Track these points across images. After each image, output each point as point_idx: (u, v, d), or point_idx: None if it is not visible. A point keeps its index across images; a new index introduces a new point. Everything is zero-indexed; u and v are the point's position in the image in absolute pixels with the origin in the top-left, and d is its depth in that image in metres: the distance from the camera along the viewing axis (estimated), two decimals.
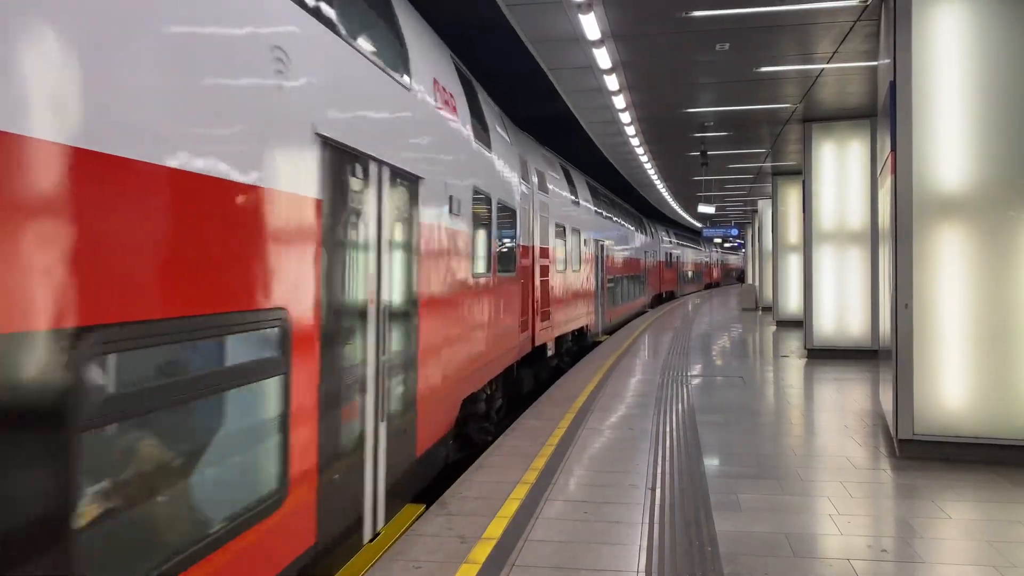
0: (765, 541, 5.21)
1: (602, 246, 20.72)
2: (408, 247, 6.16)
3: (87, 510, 2.66)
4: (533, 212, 12.52)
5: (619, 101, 13.43)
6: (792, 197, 21.90)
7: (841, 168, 15.20)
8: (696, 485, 6.50)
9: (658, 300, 37.72)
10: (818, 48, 10.45)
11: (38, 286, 2.45)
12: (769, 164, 21.21)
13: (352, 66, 5.09)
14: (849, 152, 15.17)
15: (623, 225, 26.00)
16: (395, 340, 5.79)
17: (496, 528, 5.47)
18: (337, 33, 4.83)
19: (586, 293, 18.02)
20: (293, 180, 4.09)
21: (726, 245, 78.09)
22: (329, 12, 4.72)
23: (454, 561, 4.88)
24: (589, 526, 5.52)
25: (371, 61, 5.47)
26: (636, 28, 9.68)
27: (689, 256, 52.79)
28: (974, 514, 5.83)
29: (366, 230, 5.22)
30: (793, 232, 21.81)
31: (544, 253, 13.24)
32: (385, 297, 5.54)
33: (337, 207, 4.67)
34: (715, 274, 72.51)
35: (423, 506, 6.33)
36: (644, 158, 20.73)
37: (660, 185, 28.33)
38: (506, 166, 10.55)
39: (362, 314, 5.15)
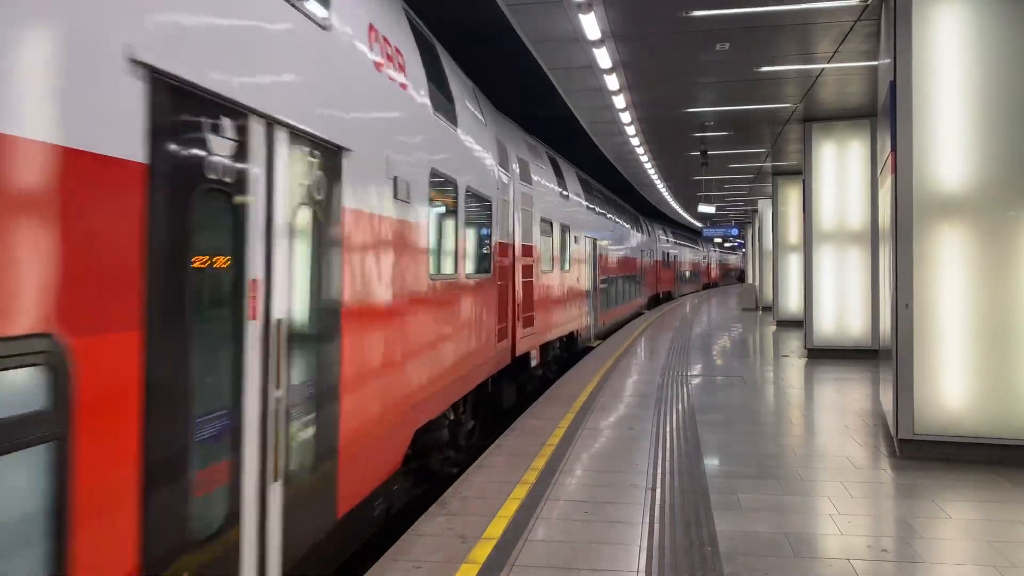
0: (765, 541, 5.21)
1: (595, 244, 19.40)
2: (322, 241, 4.63)
3: None
4: (514, 205, 11.11)
5: (619, 101, 13.42)
6: (792, 197, 21.92)
7: (841, 168, 15.21)
8: (696, 485, 6.50)
9: (655, 301, 36.99)
10: (818, 48, 10.45)
11: None
12: (769, 164, 21.22)
13: None
14: (849, 152, 15.17)
15: (618, 222, 24.67)
16: (298, 367, 4.34)
17: (496, 528, 5.47)
18: None
19: (577, 295, 16.66)
20: (88, 131, 2.71)
21: (726, 245, 78.14)
22: None
23: (454, 561, 4.88)
24: (589, 526, 5.52)
25: None
26: (636, 28, 9.67)
27: (687, 255, 52.50)
28: (974, 514, 5.83)
29: (243, 214, 3.77)
30: (793, 232, 21.83)
31: (527, 251, 11.86)
32: (280, 309, 4.07)
33: (182, 177, 3.25)
34: (713, 274, 72.26)
35: None
36: (644, 158, 20.74)
37: (660, 185, 28.33)
38: (479, 149, 9.10)
39: (232, 335, 3.71)
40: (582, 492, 6.35)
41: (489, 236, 9.55)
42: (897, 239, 7.42)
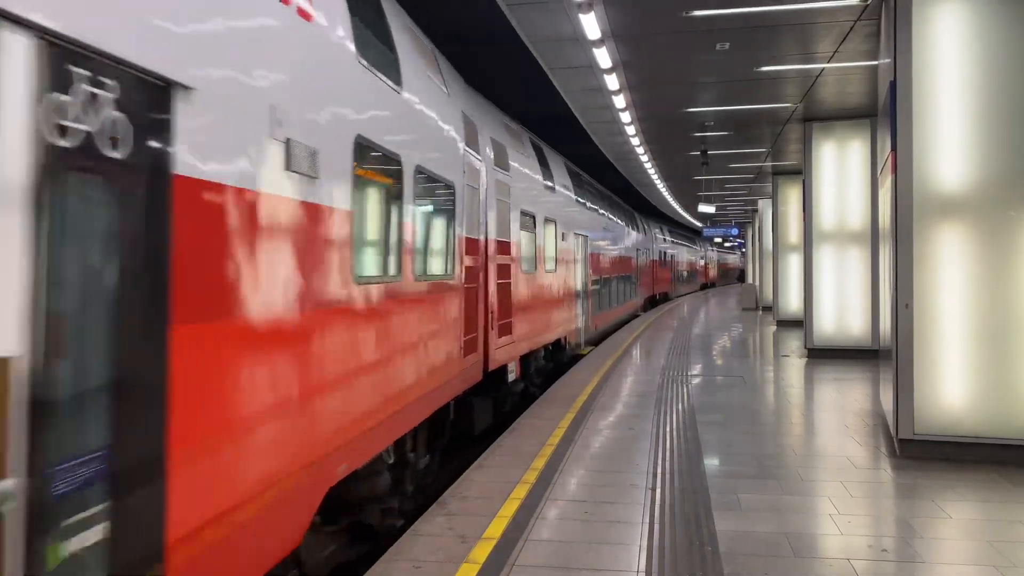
0: (765, 541, 5.21)
1: (586, 242, 17.97)
2: (127, 225, 3.05)
3: None
4: (486, 194, 9.60)
5: (619, 101, 13.43)
6: (792, 197, 21.93)
7: (841, 168, 15.21)
8: (696, 485, 6.50)
9: (651, 302, 36.14)
10: (818, 48, 10.45)
11: None
12: (769, 164, 21.23)
13: None
14: (849, 152, 15.18)
15: (611, 219, 23.10)
16: (63, 432, 2.71)
17: (496, 528, 5.47)
18: None
19: (564, 298, 15.20)
20: None
21: (726, 244, 78.17)
22: None
23: (454, 561, 4.88)
24: (589, 526, 5.52)
25: None
26: (636, 28, 9.68)
27: (684, 255, 52.29)
28: (974, 514, 5.83)
29: None
30: (793, 232, 21.85)
31: (504, 248, 10.40)
32: (18, 339, 2.51)
33: None
34: (711, 274, 72.02)
35: None
36: (644, 158, 20.74)
37: (660, 185, 28.35)
38: (436, 121, 7.49)
39: None
40: (582, 492, 6.35)
41: (451, 230, 7.99)
42: (897, 239, 7.43)
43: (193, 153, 3.42)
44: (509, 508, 5.91)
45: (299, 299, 4.43)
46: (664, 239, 40.86)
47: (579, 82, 12.39)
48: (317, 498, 4.73)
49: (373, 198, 5.85)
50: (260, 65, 4.05)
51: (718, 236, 51.72)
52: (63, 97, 2.68)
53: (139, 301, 3.12)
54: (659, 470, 6.97)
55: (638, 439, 8.18)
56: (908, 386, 7.38)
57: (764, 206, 28.92)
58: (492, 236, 9.79)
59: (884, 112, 8.39)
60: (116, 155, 2.98)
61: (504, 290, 10.40)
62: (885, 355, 8.60)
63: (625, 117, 14.90)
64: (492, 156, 10.04)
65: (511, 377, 10.90)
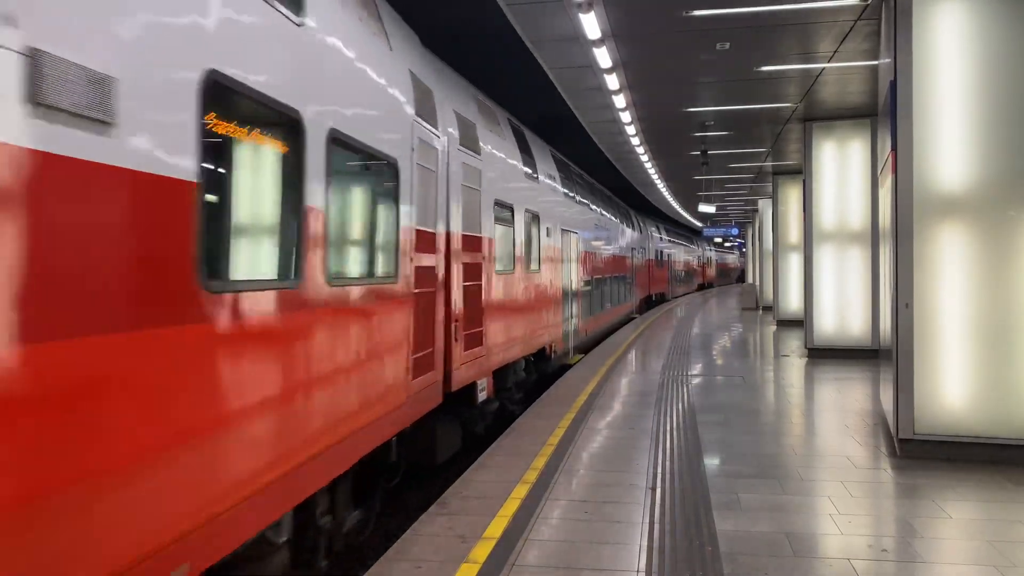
0: (765, 541, 5.21)
1: (576, 239, 16.45)
2: None
3: None
4: (448, 178, 8.03)
5: (619, 100, 13.43)
6: (792, 197, 21.94)
7: (841, 168, 15.21)
8: (696, 485, 6.50)
9: (647, 304, 34.77)
10: (819, 47, 10.45)
11: None
12: (769, 164, 21.24)
13: None
14: (850, 152, 15.18)
15: (604, 215, 21.44)
16: None
17: (496, 528, 5.47)
18: None
19: (549, 301, 13.51)
20: None
21: (725, 244, 78.18)
22: None
23: (454, 560, 4.88)
24: (589, 526, 5.52)
25: None
26: (636, 28, 9.68)
27: (681, 254, 51.94)
28: (975, 514, 5.83)
29: None
30: (793, 231, 21.86)
31: (473, 244, 8.81)
32: None
33: None
34: (709, 274, 71.59)
35: None
36: (644, 157, 20.75)
37: (660, 185, 28.36)
38: (367, 75, 5.86)
39: None
40: (582, 492, 6.35)
41: (393, 220, 6.39)
42: (897, 239, 7.43)
43: None
44: (509, 508, 5.91)
45: (81, 318, 2.80)
46: (661, 238, 40.37)
47: (579, 82, 12.39)
48: None
49: (248, 167, 4.29)
50: None
51: (718, 236, 51.75)
52: None
53: None
54: (659, 470, 6.97)
55: (638, 438, 8.18)
56: (908, 386, 7.38)
57: (764, 206, 28.93)
58: (457, 230, 8.23)
59: (884, 112, 8.39)
60: None
61: (473, 294, 8.81)
62: (885, 355, 8.60)
63: (625, 117, 14.90)
64: (457, 134, 8.41)
65: (482, 396, 9.28)
